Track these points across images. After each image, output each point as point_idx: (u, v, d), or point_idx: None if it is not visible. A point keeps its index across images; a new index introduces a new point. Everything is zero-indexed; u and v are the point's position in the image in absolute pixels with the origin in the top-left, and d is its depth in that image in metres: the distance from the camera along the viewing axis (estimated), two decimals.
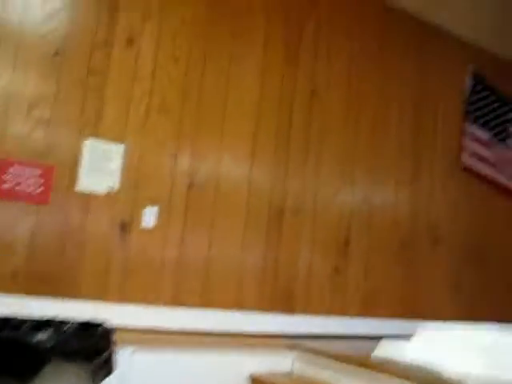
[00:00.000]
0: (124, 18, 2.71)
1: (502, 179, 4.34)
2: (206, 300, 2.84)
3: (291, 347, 2.69)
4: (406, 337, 3.03)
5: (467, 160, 4.09)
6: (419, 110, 3.93)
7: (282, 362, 2.69)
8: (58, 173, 2.48)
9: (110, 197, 2.63)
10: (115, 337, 2.01)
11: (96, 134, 2.61)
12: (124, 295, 2.65)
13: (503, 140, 4.40)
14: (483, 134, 4.20)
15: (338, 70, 3.50)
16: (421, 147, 3.91)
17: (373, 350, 2.67)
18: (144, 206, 2.73)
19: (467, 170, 4.11)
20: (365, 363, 2.28)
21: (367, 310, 3.48)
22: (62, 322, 1.92)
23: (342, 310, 3.35)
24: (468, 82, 4.18)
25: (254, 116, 3.11)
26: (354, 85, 3.56)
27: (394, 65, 3.81)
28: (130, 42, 2.72)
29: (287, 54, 3.28)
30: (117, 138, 2.66)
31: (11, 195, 2.36)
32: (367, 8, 3.70)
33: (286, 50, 3.28)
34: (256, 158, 3.10)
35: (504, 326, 4.25)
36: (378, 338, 3.35)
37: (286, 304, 3.12)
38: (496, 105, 4.35)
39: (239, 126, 3.06)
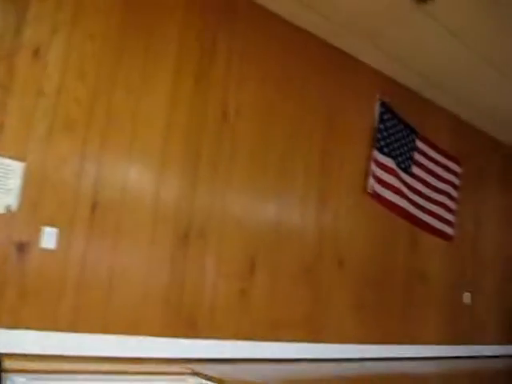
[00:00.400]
0: (31, 30, 2.61)
1: (405, 205, 4.57)
2: (106, 324, 2.77)
3: (193, 373, 2.67)
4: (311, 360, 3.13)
5: (373, 185, 4.27)
6: (328, 134, 4.06)
7: None
8: None
9: (7, 216, 2.51)
10: (5, 365, 1.91)
11: None
12: (19, 320, 2.53)
13: (408, 167, 4.64)
14: (389, 162, 4.41)
15: (249, 94, 3.55)
16: (329, 172, 4.04)
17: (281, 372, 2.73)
18: (44, 226, 2.63)
19: (372, 195, 4.29)
20: None
21: (273, 332, 3.53)
22: None
23: (248, 334, 3.38)
24: (376, 110, 4.38)
25: (163, 135, 3.09)
26: (265, 109, 3.63)
27: (305, 90, 3.92)
28: (36, 54, 2.62)
29: (199, 73, 3.29)
30: (17, 155, 2.54)
31: None
32: (277, 35, 3.80)
33: (199, 69, 3.29)
34: (164, 178, 3.07)
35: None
36: (285, 361, 3.44)
37: (190, 327, 3.11)
38: (402, 133, 4.58)
39: (148, 145, 3.02)
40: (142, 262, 2.94)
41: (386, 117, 4.42)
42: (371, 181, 4.27)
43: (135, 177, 2.96)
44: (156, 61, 3.10)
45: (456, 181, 5.25)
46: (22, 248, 2.56)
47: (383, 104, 4.41)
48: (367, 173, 4.28)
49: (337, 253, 4.04)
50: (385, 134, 4.41)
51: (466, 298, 5.38)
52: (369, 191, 4.27)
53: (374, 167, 4.29)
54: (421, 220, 4.81)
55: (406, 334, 4.67)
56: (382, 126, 4.38)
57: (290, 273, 3.68)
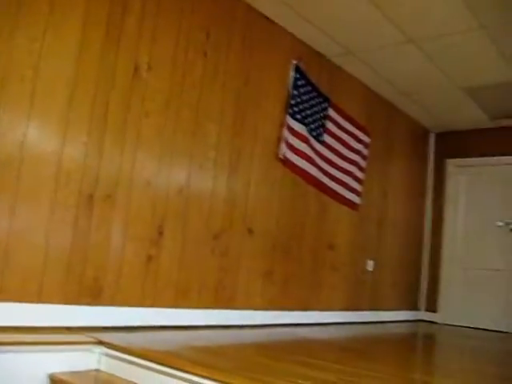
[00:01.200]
0: None
1: (315, 173, 4.61)
2: (1, 291, 2.55)
3: (98, 342, 2.54)
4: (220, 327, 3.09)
5: (284, 152, 4.26)
6: (243, 96, 3.98)
7: (87, 359, 2.51)
8: None
9: None
10: None
11: None
12: None
13: (319, 135, 4.67)
14: (301, 128, 4.41)
15: (163, 48, 3.37)
16: (242, 136, 3.97)
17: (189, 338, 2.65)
18: None
19: (284, 161, 4.29)
20: (168, 361, 2.23)
21: (182, 299, 3.45)
22: None
23: (155, 301, 3.27)
24: (291, 75, 4.35)
25: (69, 90, 2.85)
26: (178, 65, 3.47)
27: (221, 48, 3.80)
28: None
29: (110, 23, 3.07)
30: None
31: None
32: None
33: (110, 19, 3.06)
34: (68, 136, 2.85)
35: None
36: (193, 328, 3.38)
37: (95, 294, 2.95)
38: (315, 101, 4.60)
39: (51, 100, 2.78)
40: (43, 224, 2.73)
41: (300, 82, 4.40)
42: (283, 147, 4.26)
43: (36, 133, 2.72)
44: (63, 7, 2.84)
45: (365, 151, 5.38)
46: None
47: (298, 69, 4.38)
48: (280, 138, 4.26)
49: (247, 220, 4.01)
50: (298, 99, 4.40)
51: (370, 265, 5.59)
52: (280, 157, 4.26)
53: (286, 133, 4.27)
54: (330, 188, 4.89)
55: (314, 300, 4.77)
56: (295, 92, 4.36)
57: (199, 239, 3.59)
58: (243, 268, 3.96)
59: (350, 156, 5.16)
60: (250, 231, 4.02)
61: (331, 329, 4.57)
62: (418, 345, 4.69)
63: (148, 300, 3.23)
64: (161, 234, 3.32)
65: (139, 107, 3.21)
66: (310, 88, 4.53)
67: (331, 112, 4.85)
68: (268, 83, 4.21)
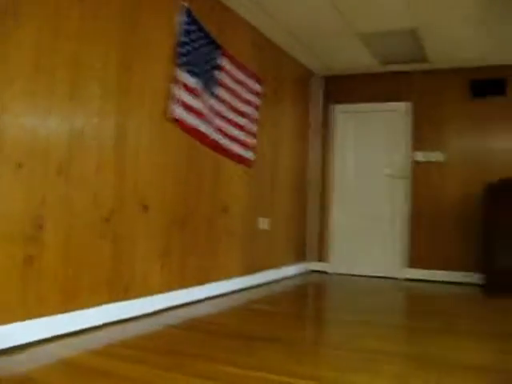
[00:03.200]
0: None
1: (208, 131, 4.15)
2: None
3: None
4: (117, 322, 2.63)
5: (176, 110, 3.73)
6: (129, 50, 3.34)
7: None
8: None
9: None
10: None
11: None
12: None
13: (212, 88, 4.18)
14: (192, 81, 3.88)
15: None
16: (127, 97, 3.36)
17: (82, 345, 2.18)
18: None
19: (175, 121, 3.76)
20: None
21: (69, 303, 2.90)
22: None
23: (38, 310, 2.70)
24: (180, 20, 3.76)
25: None
26: (51, 9, 2.75)
27: None
28: None
29: None
30: None
31: None
32: None
33: None
34: None
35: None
36: (86, 332, 2.86)
37: None
38: (207, 49, 4.07)
39: None
40: None
41: (190, 28, 3.83)
42: (174, 105, 3.72)
43: None
44: None
45: (257, 101, 4.99)
46: None
47: (188, 13, 3.79)
48: (170, 96, 3.71)
49: (140, 194, 3.48)
50: (188, 48, 3.83)
51: (263, 223, 5.34)
52: (171, 116, 3.73)
53: (176, 88, 3.73)
54: (223, 146, 4.46)
55: (212, 271, 4.43)
56: (186, 40, 3.79)
57: (86, 224, 3.01)
58: (139, 251, 3.46)
59: (242, 109, 4.73)
60: (145, 208, 3.50)
61: (223, 301, 4.27)
62: (299, 301, 4.60)
63: (29, 311, 2.65)
64: (40, 227, 2.70)
65: (3, 63, 2.49)
66: (201, 34, 3.97)
67: (223, 61, 4.35)
68: (157, 31, 3.59)
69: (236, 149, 4.65)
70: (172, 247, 3.81)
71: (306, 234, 6.57)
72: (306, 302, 4.67)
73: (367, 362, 2.56)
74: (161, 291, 3.69)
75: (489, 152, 5.87)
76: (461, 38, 5.08)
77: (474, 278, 5.78)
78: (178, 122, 3.77)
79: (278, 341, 2.94)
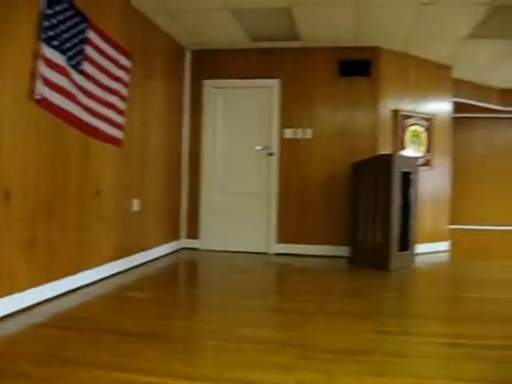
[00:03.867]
0: None
1: (76, 111, 3.87)
2: None
3: None
4: None
5: (41, 89, 3.42)
6: None
7: None
8: None
9: None
10: None
11: None
12: None
13: (79, 64, 3.89)
14: (59, 58, 3.57)
15: None
16: None
17: None
18: None
19: (41, 101, 3.45)
20: None
21: None
22: None
23: None
24: None
25: None
26: None
27: None
28: None
29: None
30: None
31: None
32: None
33: None
34: None
35: None
36: None
37: None
38: (73, 21, 3.75)
39: None
40: None
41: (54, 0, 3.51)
42: (39, 84, 3.41)
43: None
44: None
45: (126, 77, 4.74)
46: None
47: None
48: (35, 74, 3.39)
49: (1, 183, 3.17)
50: (53, 21, 3.51)
51: (136, 205, 5.17)
52: (36, 97, 3.42)
53: (42, 66, 3.41)
54: (92, 126, 4.19)
55: (84, 259, 4.21)
56: (50, 11, 3.46)
57: None
58: (1, 246, 3.17)
59: (112, 86, 4.48)
60: (7, 196, 3.20)
61: (95, 290, 4.09)
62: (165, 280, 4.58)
63: None
64: None
65: None
66: (66, 5, 3.65)
67: (90, 34, 4.05)
68: (20, 3, 3.23)
69: (105, 128, 4.41)
70: (38, 238, 3.54)
71: (180, 213, 6.49)
72: (177, 286, 4.63)
73: (245, 354, 2.58)
74: (27, 287, 3.43)
75: (354, 131, 6.16)
76: (332, 18, 5.20)
77: (342, 250, 6.11)
78: (42, 101, 3.47)
79: (150, 336, 2.87)
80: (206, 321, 3.33)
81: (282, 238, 6.32)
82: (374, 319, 3.34)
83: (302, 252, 6.21)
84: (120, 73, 4.61)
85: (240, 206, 6.45)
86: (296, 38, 5.89)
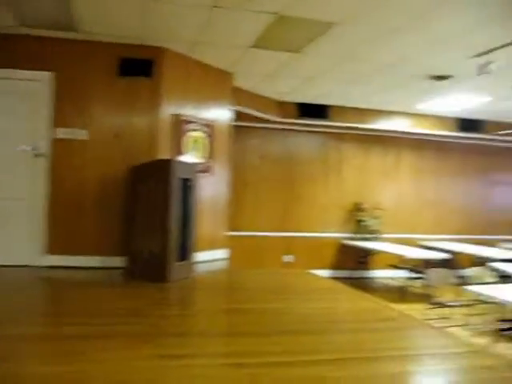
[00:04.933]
0: None
1: None
2: None
3: None
4: None
5: None
6: None
7: None
8: None
9: None
10: None
11: None
12: None
13: None
14: None
15: None
16: None
17: None
18: None
19: None
20: None
21: None
22: None
23: None
24: None
25: None
26: None
27: None
28: None
29: None
30: None
31: None
32: None
33: None
34: None
35: None
36: None
37: None
38: None
39: None
40: None
41: None
42: None
43: None
44: None
45: None
46: None
47: None
48: None
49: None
50: None
51: None
52: None
53: None
54: None
55: None
56: None
57: None
58: None
59: None
60: None
61: None
62: None
63: None
64: None
65: None
66: None
67: None
68: None
69: None
70: None
71: None
72: None
73: None
74: None
75: (133, 133, 5.89)
76: (115, 11, 4.88)
77: (119, 261, 5.75)
78: None
79: None
80: None
81: (54, 249, 5.71)
82: (158, 341, 3.09)
83: (77, 264, 5.67)
84: None
85: (5, 213, 5.69)
86: (73, 28, 5.40)
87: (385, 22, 4.98)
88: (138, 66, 5.89)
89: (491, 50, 5.65)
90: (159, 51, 5.95)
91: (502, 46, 5.53)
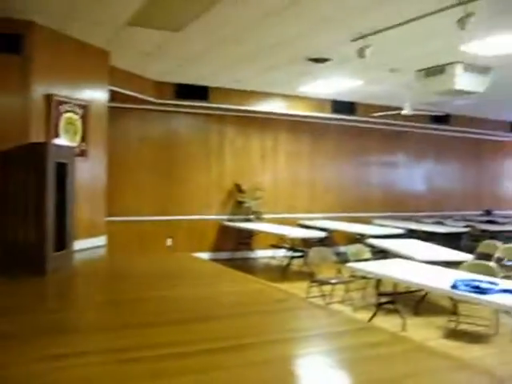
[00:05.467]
0: None
1: None
2: None
3: None
4: None
5: None
6: None
7: None
8: None
9: None
10: None
11: None
12: None
13: None
14: None
15: None
16: None
17: None
18: None
19: None
20: None
21: None
22: None
23: None
24: None
25: None
26: None
27: None
28: None
29: None
30: None
31: None
32: None
33: None
34: None
35: None
36: None
37: None
38: None
39: None
40: None
41: None
42: None
43: None
44: None
45: None
46: None
47: None
48: None
49: None
50: None
51: None
52: None
53: None
54: None
55: None
56: None
57: None
58: None
59: None
60: None
61: None
62: None
63: None
64: None
65: None
66: None
67: None
68: None
69: None
70: None
71: None
72: None
73: None
74: None
75: (1, 115, 5.45)
76: None
77: None
78: None
79: None
80: None
81: None
82: (42, 341, 2.83)
83: None
84: None
85: None
86: None
87: (264, 2, 4.98)
88: (4, 41, 5.43)
89: (365, 35, 5.89)
90: (29, 25, 5.49)
91: (375, 33, 5.80)
